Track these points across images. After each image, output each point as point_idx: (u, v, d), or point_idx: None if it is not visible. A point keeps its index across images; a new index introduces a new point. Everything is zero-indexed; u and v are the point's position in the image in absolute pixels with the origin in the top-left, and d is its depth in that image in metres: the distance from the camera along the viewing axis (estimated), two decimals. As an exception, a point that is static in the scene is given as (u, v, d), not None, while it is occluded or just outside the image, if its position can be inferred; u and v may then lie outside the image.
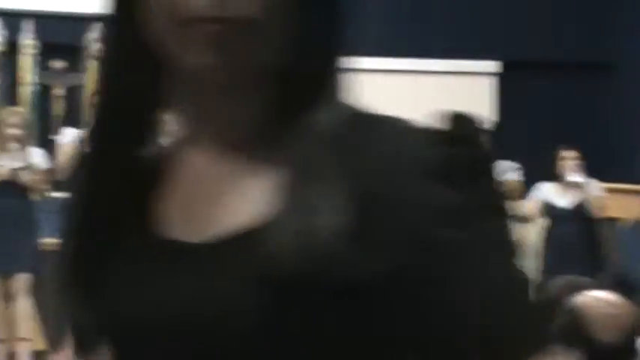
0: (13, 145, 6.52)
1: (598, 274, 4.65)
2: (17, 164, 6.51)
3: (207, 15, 0.76)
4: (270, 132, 0.82)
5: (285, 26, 0.79)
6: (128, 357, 0.83)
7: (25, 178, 6.44)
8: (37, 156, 6.69)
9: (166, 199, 0.85)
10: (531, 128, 8.31)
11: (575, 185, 6.77)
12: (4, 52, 7.60)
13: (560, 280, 2.81)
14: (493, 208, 0.78)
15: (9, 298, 6.52)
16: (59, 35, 7.73)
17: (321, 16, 0.82)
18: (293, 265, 0.74)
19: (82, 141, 0.89)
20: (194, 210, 0.82)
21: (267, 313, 0.75)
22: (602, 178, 6.97)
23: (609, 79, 8.59)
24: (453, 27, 8.45)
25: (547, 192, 6.84)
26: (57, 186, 6.79)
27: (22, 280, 6.49)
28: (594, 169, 6.94)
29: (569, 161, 6.83)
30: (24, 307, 6.51)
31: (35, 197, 6.61)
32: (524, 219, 6.65)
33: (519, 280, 0.79)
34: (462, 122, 0.79)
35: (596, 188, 6.86)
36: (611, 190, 6.99)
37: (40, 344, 6.62)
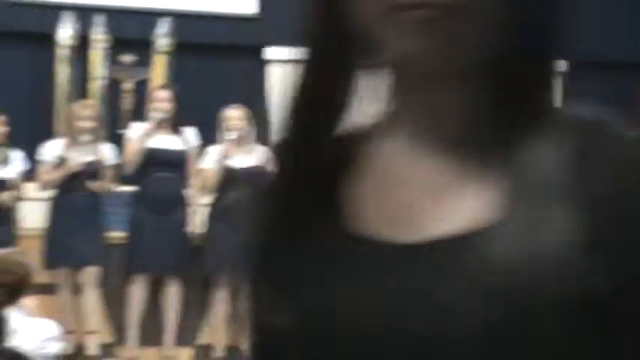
0: (85, 138, 6.59)
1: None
2: (87, 158, 6.59)
3: (417, 0, 0.74)
4: (483, 132, 0.78)
5: (498, 14, 0.75)
6: None
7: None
8: (106, 150, 6.76)
9: (358, 193, 0.81)
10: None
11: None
12: (75, 47, 7.69)
13: None
14: None
15: (77, 290, 6.61)
16: (129, 30, 7.81)
17: (538, 7, 0.78)
18: (524, 275, 0.70)
19: (276, 135, 0.86)
20: (396, 208, 0.78)
21: (495, 325, 0.70)
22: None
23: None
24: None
25: None
26: (124, 180, 6.87)
27: (90, 273, 6.58)
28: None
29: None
30: (92, 300, 6.60)
31: (103, 191, 6.68)
32: None
33: None
34: None
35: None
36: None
37: (108, 336, 6.71)
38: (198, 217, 6.77)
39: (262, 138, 6.77)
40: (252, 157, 6.80)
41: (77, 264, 6.55)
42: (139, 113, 7.51)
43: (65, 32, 7.67)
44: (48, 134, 7.20)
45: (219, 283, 6.75)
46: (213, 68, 8.08)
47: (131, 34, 7.80)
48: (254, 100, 7.64)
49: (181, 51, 7.75)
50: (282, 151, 0.84)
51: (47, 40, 7.63)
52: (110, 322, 6.76)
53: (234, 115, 6.82)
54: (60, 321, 4.19)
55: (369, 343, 0.74)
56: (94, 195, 6.65)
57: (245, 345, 6.78)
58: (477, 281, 0.71)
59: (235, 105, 6.86)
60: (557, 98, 0.81)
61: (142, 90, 7.74)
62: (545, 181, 0.73)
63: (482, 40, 0.76)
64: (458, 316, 0.71)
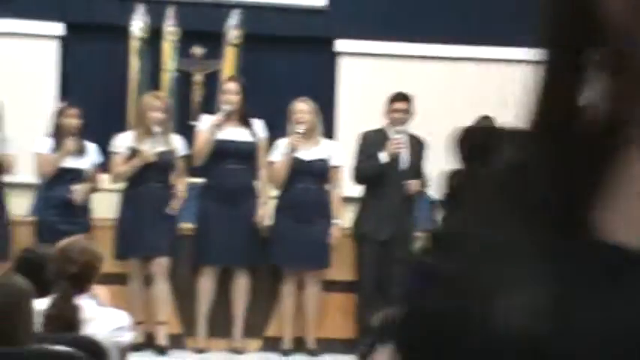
0: (156, 130, 6.65)
1: None
2: (159, 149, 6.65)
3: None
4: None
5: None
6: None
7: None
8: (176, 142, 6.82)
9: (609, 198, 0.72)
10: None
11: None
12: (146, 39, 7.76)
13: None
14: None
15: (148, 281, 6.68)
16: (199, 22, 7.85)
17: None
18: None
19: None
20: None
21: None
22: None
23: None
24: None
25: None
26: (193, 172, 6.92)
27: (160, 264, 6.64)
28: None
29: None
30: (162, 291, 6.66)
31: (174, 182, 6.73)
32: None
33: None
34: None
35: None
36: None
37: (177, 327, 6.77)
38: (266, 209, 6.79)
39: (330, 131, 6.76)
40: (320, 149, 6.80)
41: (148, 255, 6.63)
42: (209, 105, 7.56)
43: (137, 25, 7.74)
44: (120, 126, 7.28)
45: (287, 275, 6.77)
46: (282, 60, 8.10)
47: (201, 27, 7.85)
48: (323, 93, 7.64)
49: (251, 43, 7.77)
50: (530, 153, 0.75)
51: (120, 32, 7.71)
52: (179, 313, 6.83)
53: (302, 108, 6.82)
54: (130, 311, 4.24)
55: None
56: (166, 186, 6.71)
57: (312, 336, 6.80)
58: None
59: (304, 98, 6.87)
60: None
61: (212, 82, 7.78)
62: None
63: None
64: None
